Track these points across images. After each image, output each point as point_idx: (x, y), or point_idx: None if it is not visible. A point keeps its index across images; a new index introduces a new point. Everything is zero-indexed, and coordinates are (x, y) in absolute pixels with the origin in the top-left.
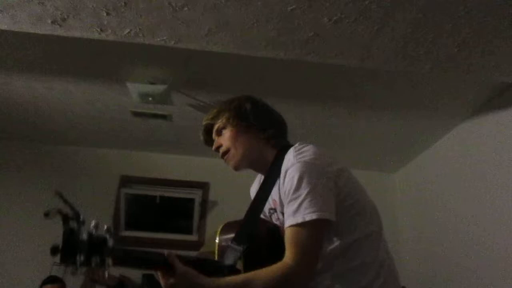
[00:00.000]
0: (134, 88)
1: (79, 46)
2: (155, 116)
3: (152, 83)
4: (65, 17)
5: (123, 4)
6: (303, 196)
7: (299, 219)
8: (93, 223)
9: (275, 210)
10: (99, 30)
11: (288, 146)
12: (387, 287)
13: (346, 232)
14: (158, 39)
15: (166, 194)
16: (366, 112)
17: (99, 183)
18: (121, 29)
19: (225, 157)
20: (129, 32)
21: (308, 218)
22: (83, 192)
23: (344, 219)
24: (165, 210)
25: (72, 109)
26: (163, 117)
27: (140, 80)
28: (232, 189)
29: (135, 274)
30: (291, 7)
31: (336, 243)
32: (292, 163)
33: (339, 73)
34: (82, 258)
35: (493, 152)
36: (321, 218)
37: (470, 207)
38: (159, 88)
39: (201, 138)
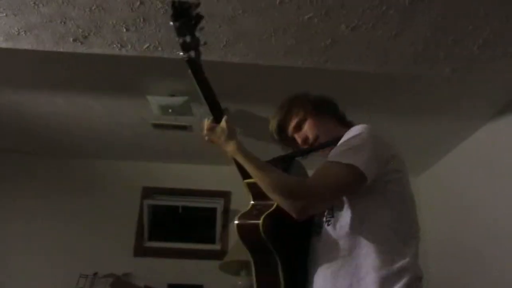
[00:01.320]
0: (155, 101)
1: (100, 62)
2: (176, 127)
3: (172, 95)
4: (86, 34)
5: (141, 19)
6: (351, 146)
7: (336, 158)
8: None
9: None
10: (119, 46)
11: (353, 124)
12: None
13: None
14: (177, 52)
15: (188, 204)
16: (387, 117)
17: (122, 195)
18: (141, 44)
19: (315, 144)
20: (148, 47)
21: (345, 161)
22: (106, 204)
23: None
24: (188, 220)
25: (93, 123)
26: (184, 128)
27: (160, 93)
28: None
29: (160, 284)
30: (308, 16)
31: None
32: (356, 126)
33: (358, 78)
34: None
35: None
36: (356, 166)
37: (495, 210)
38: (179, 100)
39: (275, 137)
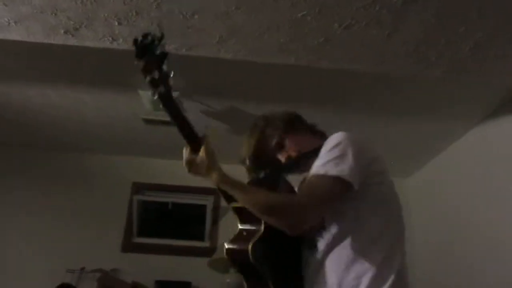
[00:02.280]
0: (146, 96)
1: (92, 55)
2: (167, 123)
3: None
4: (78, 27)
5: (134, 13)
6: (334, 155)
7: (321, 171)
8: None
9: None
10: (110, 39)
11: (326, 134)
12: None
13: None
14: (169, 47)
15: (178, 201)
16: (378, 117)
17: (112, 190)
18: (133, 37)
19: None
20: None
21: (330, 173)
22: (96, 199)
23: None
24: (177, 217)
25: (84, 117)
26: None
27: None
28: None
29: (147, 281)
30: (302, 13)
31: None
32: (333, 135)
33: (350, 78)
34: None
35: (507, 156)
36: (342, 177)
37: (484, 212)
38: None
39: (247, 165)
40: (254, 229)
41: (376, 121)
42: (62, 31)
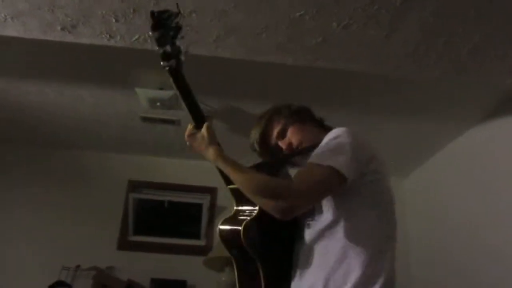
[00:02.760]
0: (143, 94)
1: (88, 52)
2: (164, 121)
3: (160, 89)
4: (75, 24)
5: (131, 11)
6: (330, 148)
7: (317, 160)
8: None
9: None
10: (108, 36)
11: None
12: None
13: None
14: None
15: (174, 199)
16: (376, 117)
17: (108, 188)
18: (130, 35)
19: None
20: (137, 39)
21: (325, 163)
22: (92, 196)
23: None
24: (173, 215)
25: (81, 114)
26: (172, 122)
27: (149, 86)
28: None
29: (143, 279)
30: (300, 13)
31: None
32: (334, 129)
33: (348, 78)
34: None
35: (504, 156)
36: (336, 168)
37: (480, 212)
38: (168, 93)
39: (257, 150)
40: (249, 210)
41: (373, 121)
42: (59, 28)
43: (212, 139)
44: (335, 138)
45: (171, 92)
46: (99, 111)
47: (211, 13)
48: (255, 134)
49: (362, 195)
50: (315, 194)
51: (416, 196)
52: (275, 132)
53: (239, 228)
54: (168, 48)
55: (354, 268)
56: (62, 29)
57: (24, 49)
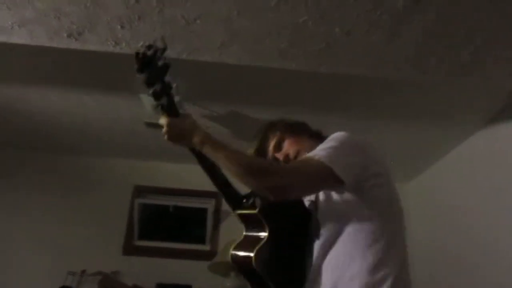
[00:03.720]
0: (147, 100)
1: (93, 58)
2: None
3: None
4: (81, 31)
5: (137, 18)
6: (328, 146)
7: (311, 155)
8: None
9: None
10: (113, 43)
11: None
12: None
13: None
14: (171, 52)
15: (179, 204)
16: (379, 122)
17: (113, 193)
18: (135, 42)
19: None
20: (143, 45)
21: (320, 158)
22: (97, 202)
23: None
24: (178, 220)
25: (86, 120)
26: None
27: None
28: None
29: (148, 284)
30: (303, 19)
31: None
32: (335, 133)
33: (351, 83)
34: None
35: (507, 161)
36: (328, 165)
37: (484, 217)
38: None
39: None
40: (258, 236)
41: (376, 126)
42: (65, 35)
43: (193, 122)
44: (333, 139)
45: (176, 98)
46: (103, 116)
47: (215, 19)
48: (253, 149)
49: (367, 201)
50: (305, 183)
51: (420, 201)
52: (271, 145)
53: (250, 255)
54: (158, 86)
55: (361, 272)
56: (68, 36)
57: (28, 55)
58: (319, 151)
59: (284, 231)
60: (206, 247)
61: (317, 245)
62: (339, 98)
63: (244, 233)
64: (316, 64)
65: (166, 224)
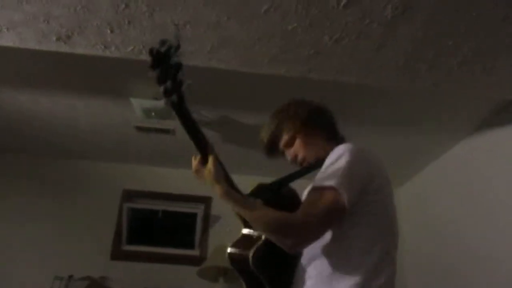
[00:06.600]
0: (138, 104)
1: (84, 62)
2: (158, 130)
3: (155, 99)
4: (70, 34)
5: (127, 22)
6: (335, 168)
7: (319, 185)
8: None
9: None
10: (103, 47)
11: (344, 140)
12: None
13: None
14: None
15: (169, 209)
16: (369, 128)
17: (102, 197)
18: (125, 46)
19: (303, 163)
20: (132, 49)
21: (328, 186)
22: (86, 205)
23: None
24: (167, 225)
25: (76, 124)
26: (166, 131)
27: (143, 96)
28: None
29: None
30: (292, 26)
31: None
32: (338, 148)
33: (341, 89)
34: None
35: (496, 167)
36: (340, 192)
37: (473, 222)
38: (162, 103)
39: (265, 150)
40: (256, 235)
41: (366, 132)
42: (54, 38)
43: (218, 175)
44: (337, 159)
45: (162, 102)
46: (93, 120)
47: (205, 24)
48: (264, 136)
49: (359, 216)
50: (324, 225)
51: (410, 206)
52: (283, 141)
53: (248, 253)
54: (168, 84)
55: (350, 284)
56: (57, 39)
57: (18, 59)
58: (325, 180)
59: None
60: (195, 252)
61: (309, 250)
62: (329, 104)
63: (242, 231)
64: (305, 70)
65: (155, 229)
